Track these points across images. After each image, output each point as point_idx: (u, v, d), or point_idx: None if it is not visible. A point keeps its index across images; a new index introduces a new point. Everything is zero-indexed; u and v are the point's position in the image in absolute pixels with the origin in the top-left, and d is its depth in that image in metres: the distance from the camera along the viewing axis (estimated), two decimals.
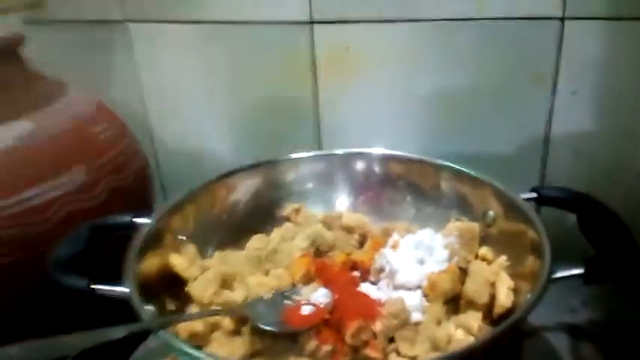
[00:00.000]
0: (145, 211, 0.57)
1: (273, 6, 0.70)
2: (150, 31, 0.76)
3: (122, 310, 0.45)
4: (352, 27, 0.69)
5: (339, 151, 0.69)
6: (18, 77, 0.62)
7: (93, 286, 0.48)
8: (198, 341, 0.49)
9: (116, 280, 0.48)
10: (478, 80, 0.68)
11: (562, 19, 0.63)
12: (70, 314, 0.53)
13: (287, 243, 0.61)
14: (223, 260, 0.58)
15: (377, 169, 0.68)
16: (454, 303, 0.53)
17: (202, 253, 0.59)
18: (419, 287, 0.54)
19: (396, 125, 0.73)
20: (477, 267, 0.54)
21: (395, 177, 0.67)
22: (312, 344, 0.47)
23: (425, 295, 0.53)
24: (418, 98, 0.71)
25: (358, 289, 0.55)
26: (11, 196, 0.55)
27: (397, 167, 0.67)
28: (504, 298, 0.50)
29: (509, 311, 0.49)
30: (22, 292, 0.57)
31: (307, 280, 0.55)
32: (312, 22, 0.70)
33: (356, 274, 0.58)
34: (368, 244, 0.61)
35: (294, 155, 0.68)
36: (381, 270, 0.56)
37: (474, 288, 0.52)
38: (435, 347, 0.47)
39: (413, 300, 0.51)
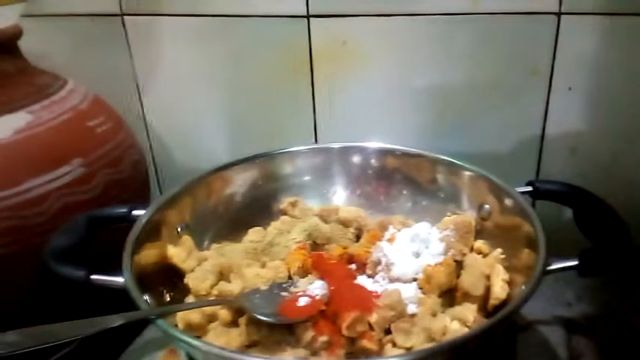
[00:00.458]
0: (141, 204, 0.57)
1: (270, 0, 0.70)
2: (147, 24, 0.76)
3: (119, 302, 0.45)
4: (349, 21, 0.69)
5: (336, 145, 0.69)
6: (15, 70, 0.62)
7: (91, 277, 0.48)
8: (196, 332, 0.49)
9: (114, 272, 0.48)
10: (474, 75, 0.69)
11: (558, 14, 0.63)
12: (68, 305, 0.53)
13: (283, 236, 0.61)
14: (220, 252, 0.59)
15: (373, 162, 0.68)
16: (450, 295, 0.54)
17: (199, 246, 0.60)
18: (415, 280, 0.54)
19: (393, 119, 0.73)
20: (472, 260, 0.55)
21: (391, 170, 0.67)
22: (308, 335, 0.47)
23: (421, 288, 0.54)
24: (414, 92, 0.71)
25: (355, 281, 0.55)
26: (8, 188, 0.55)
27: (393, 161, 0.67)
28: (499, 290, 0.50)
29: (504, 303, 0.49)
30: (20, 284, 0.57)
31: (304, 272, 0.55)
32: (309, 16, 0.69)
33: (352, 267, 0.58)
34: (364, 238, 0.62)
35: (290, 148, 0.68)
36: (378, 263, 0.56)
37: (470, 280, 0.52)
38: (431, 339, 0.47)
39: (409, 292, 0.52)
